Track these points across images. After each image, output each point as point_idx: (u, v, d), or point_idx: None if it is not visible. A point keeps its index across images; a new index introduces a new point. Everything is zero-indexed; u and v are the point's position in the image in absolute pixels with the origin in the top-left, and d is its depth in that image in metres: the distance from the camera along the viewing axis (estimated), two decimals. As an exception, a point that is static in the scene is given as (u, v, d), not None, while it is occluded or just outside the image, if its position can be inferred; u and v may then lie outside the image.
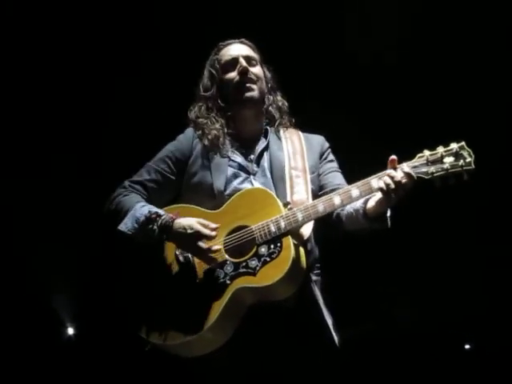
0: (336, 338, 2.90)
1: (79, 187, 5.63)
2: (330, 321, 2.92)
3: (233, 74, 3.12)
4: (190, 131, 3.18)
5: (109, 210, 3.02)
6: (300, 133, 3.20)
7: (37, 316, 6.09)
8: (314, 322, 2.88)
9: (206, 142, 3.07)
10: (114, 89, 5.29)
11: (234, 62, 3.14)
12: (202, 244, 2.80)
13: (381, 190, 2.70)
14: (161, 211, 2.88)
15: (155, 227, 2.84)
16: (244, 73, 3.09)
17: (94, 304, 6.00)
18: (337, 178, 3.11)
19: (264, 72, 3.21)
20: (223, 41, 3.26)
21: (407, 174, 2.69)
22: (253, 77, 3.11)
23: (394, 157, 2.73)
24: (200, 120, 3.14)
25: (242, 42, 3.23)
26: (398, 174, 2.68)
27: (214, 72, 3.18)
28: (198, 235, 2.80)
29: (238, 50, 3.19)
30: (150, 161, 3.14)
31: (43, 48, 5.09)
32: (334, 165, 3.16)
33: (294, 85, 3.32)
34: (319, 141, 3.20)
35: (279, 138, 3.16)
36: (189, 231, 2.81)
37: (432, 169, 2.70)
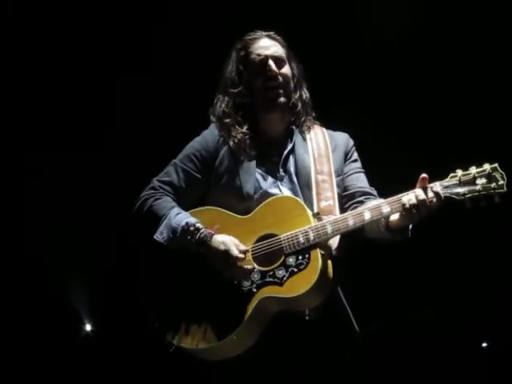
0: (362, 342, 2.93)
1: (101, 180, 5.63)
2: (355, 324, 2.94)
3: (261, 77, 3.07)
4: (215, 129, 3.14)
5: (140, 213, 3.01)
6: (324, 131, 3.18)
7: (54, 312, 6.10)
8: (343, 328, 2.91)
9: (232, 145, 3.05)
10: (132, 83, 5.30)
11: (262, 63, 3.08)
12: (232, 262, 2.80)
13: (403, 207, 2.71)
14: (199, 224, 2.86)
15: (193, 240, 2.84)
16: (273, 78, 3.06)
17: (113, 300, 6.01)
18: (360, 179, 3.10)
19: (292, 69, 3.15)
20: (246, 32, 3.19)
21: (436, 194, 2.70)
22: (281, 81, 3.07)
23: (424, 175, 2.73)
24: (226, 120, 3.10)
25: (269, 37, 3.15)
26: (426, 194, 2.69)
27: (241, 68, 3.12)
28: (229, 254, 2.80)
29: (266, 48, 3.11)
30: (175, 158, 3.12)
31: (63, 47, 5.15)
32: (358, 165, 3.15)
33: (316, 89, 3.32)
34: (344, 139, 3.17)
35: (304, 139, 3.13)
36: (222, 247, 2.81)
37: (464, 190, 2.70)
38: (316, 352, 2.85)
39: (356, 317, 2.97)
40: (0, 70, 5.12)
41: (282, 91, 3.07)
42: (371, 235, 2.98)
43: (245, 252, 2.82)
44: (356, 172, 3.12)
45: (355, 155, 3.17)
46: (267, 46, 3.13)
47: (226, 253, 2.80)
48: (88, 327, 6.52)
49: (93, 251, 5.92)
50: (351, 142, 3.18)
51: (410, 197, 2.71)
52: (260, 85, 3.08)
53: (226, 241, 2.82)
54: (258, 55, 3.11)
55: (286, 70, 3.12)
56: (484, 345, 6.48)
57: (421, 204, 2.68)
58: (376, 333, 4.99)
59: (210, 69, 3.28)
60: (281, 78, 3.08)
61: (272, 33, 3.18)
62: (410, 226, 2.85)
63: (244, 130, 3.07)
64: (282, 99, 3.08)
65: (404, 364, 5.79)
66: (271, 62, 3.08)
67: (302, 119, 3.15)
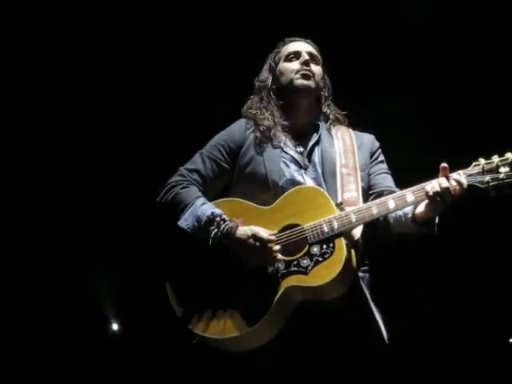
0: (385, 334, 2.91)
1: (125, 179, 5.64)
2: (378, 317, 2.92)
3: (293, 64, 3.16)
4: (242, 121, 3.20)
5: (165, 200, 3.03)
6: (351, 130, 3.21)
7: (80, 312, 6.12)
8: (363, 319, 2.89)
9: (258, 134, 3.10)
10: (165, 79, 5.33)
11: (296, 55, 3.19)
12: (259, 247, 2.80)
13: (427, 195, 2.72)
14: (225, 216, 2.87)
15: (218, 231, 2.84)
16: (305, 63, 3.13)
17: (139, 299, 6.02)
18: (387, 179, 3.13)
19: (324, 74, 3.23)
20: (287, 37, 3.29)
21: (458, 182, 2.71)
22: (313, 69, 3.14)
23: (444, 165, 2.74)
24: (251, 111, 3.18)
25: (308, 42, 3.26)
26: (448, 182, 2.70)
27: (273, 64, 3.23)
28: (258, 238, 2.81)
29: (302, 46, 3.22)
30: (202, 148, 3.16)
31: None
32: (385, 166, 3.18)
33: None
34: (370, 139, 3.21)
35: (330, 135, 3.17)
36: (247, 236, 2.81)
37: (487, 178, 2.70)
38: (338, 342, 2.85)
39: (380, 309, 2.96)
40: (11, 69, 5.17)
41: (311, 76, 3.13)
42: (397, 230, 2.99)
43: (273, 235, 2.84)
44: (384, 173, 3.15)
45: (382, 157, 3.20)
46: (303, 45, 3.24)
47: (254, 238, 2.80)
48: (115, 326, 6.53)
49: (119, 249, 5.95)
50: (377, 144, 3.21)
51: (433, 185, 2.72)
52: (290, 69, 3.15)
53: (252, 228, 2.83)
54: (294, 48, 3.21)
55: (318, 68, 3.20)
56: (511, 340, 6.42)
57: (444, 191, 2.69)
58: (400, 328, 4.96)
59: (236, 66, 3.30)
60: (313, 68, 3.15)
61: (309, 40, 3.27)
62: (437, 220, 2.85)
63: (269, 116, 3.12)
64: (311, 82, 3.14)
65: (427, 360, 5.75)
66: (305, 54, 3.17)
67: (330, 121, 3.21)
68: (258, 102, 3.19)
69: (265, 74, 3.24)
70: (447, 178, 2.72)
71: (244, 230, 2.84)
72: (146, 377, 5.98)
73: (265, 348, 2.82)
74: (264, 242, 2.81)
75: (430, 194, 2.71)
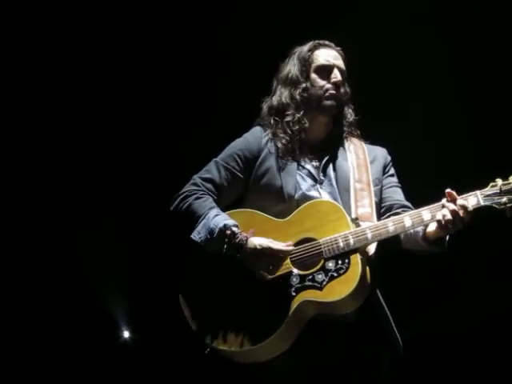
0: (401, 344, 2.95)
1: (139, 187, 5.63)
2: (395, 327, 2.96)
3: (324, 81, 3.12)
4: (257, 130, 3.20)
5: (179, 210, 3.05)
6: (364, 144, 3.22)
7: (91, 319, 6.11)
8: (382, 332, 2.93)
9: (279, 145, 3.10)
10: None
11: (328, 70, 3.13)
12: (273, 260, 2.84)
13: (437, 223, 2.75)
14: (235, 228, 2.88)
15: (228, 245, 2.87)
16: (337, 86, 3.11)
17: (152, 306, 6.00)
18: (397, 193, 3.14)
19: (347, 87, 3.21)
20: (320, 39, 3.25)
21: (463, 208, 2.72)
22: (342, 92, 3.13)
23: (448, 190, 2.76)
24: (275, 118, 3.16)
25: (338, 52, 3.22)
26: (456, 208, 2.71)
27: (305, 68, 3.17)
28: (270, 251, 2.83)
29: (335, 58, 3.18)
30: (216, 157, 3.16)
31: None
32: (395, 179, 3.20)
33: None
34: (383, 153, 3.23)
35: (344, 149, 3.18)
36: (258, 247, 2.84)
37: (504, 199, 2.71)
38: (352, 356, 2.88)
39: (396, 320, 2.98)
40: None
41: (339, 99, 3.13)
42: (407, 246, 3.02)
43: (286, 245, 2.86)
44: (394, 186, 3.17)
45: (393, 170, 3.22)
46: (335, 56, 3.20)
47: (266, 250, 2.83)
48: (126, 334, 6.53)
49: (131, 256, 5.94)
50: (389, 158, 3.23)
51: (443, 213, 2.74)
52: (321, 86, 3.12)
53: (262, 241, 2.86)
54: (327, 60, 3.16)
55: (346, 87, 3.19)
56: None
57: (452, 215, 2.71)
58: (416, 336, 4.91)
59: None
60: (342, 90, 3.14)
61: (339, 48, 3.25)
62: (447, 238, 2.88)
63: (292, 131, 3.11)
64: (338, 104, 3.13)
65: (445, 369, 5.66)
66: (337, 72, 3.14)
67: (344, 134, 3.21)
68: (292, 103, 3.14)
69: (297, 74, 3.17)
70: (455, 204, 2.73)
71: (255, 243, 2.86)
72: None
73: (277, 360, 2.83)
74: (277, 253, 2.84)
75: (441, 220, 2.73)
